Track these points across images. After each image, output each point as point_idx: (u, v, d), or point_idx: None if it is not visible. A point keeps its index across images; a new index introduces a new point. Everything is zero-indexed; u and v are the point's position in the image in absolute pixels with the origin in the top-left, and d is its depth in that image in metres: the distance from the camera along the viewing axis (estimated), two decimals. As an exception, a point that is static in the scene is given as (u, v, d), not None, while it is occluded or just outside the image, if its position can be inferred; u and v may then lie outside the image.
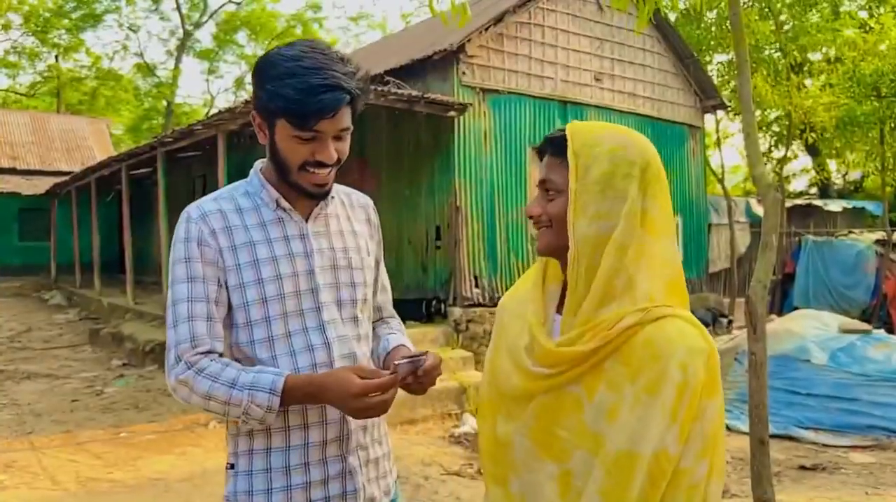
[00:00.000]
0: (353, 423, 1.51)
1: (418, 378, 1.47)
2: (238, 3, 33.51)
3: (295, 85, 1.34)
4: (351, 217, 1.63)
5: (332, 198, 1.58)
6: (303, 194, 1.49)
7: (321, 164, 1.43)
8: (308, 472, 1.47)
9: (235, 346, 1.50)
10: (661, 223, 1.26)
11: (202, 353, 1.41)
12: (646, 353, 1.18)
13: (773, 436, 6.00)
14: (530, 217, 1.36)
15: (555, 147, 1.32)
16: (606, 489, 1.18)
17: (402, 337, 1.70)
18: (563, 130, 1.31)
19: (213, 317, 1.44)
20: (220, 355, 1.45)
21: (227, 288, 1.46)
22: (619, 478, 1.17)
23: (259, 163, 1.57)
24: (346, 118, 1.42)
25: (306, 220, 1.53)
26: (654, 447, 1.15)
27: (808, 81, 16.67)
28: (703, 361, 1.18)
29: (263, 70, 1.42)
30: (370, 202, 1.72)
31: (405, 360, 1.43)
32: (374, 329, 1.69)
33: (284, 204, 1.51)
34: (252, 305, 1.45)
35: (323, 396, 1.37)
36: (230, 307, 1.48)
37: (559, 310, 1.33)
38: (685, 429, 1.17)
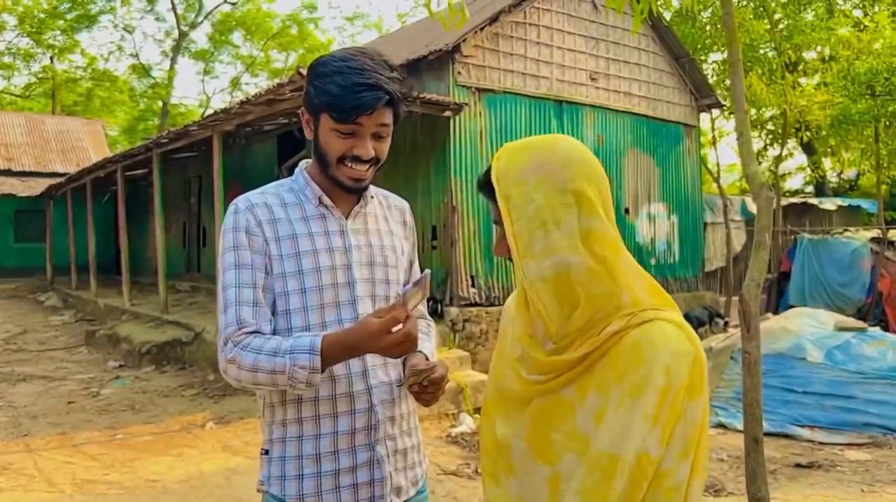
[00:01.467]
0: (381, 414, 1.56)
1: (426, 388, 1.53)
2: (233, 4, 33.45)
3: (339, 82, 1.44)
4: (388, 218, 1.71)
5: (372, 198, 1.67)
6: (340, 188, 1.56)
7: (358, 159, 1.51)
8: (337, 460, 1.53)
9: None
10: (611, 237, 1.24)
11: (248, 333, 1.46)
12: (631, 357, 1.18)
13: (770, 434, 6.03)
14: (499, 255, 1.36)
15: (488, 191, 1.30)
16: (586, 489, 1.18)
17: (427, 340, 1.74)
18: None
19: (259, 303, 1.50)
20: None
21: (271, 275, 1.53)
22: (599, 479, 1.17)
23: (304, 163, 1.66)
24: (384, 116, 1.50)
25: (346, 218, 1.61)
26: (636, 449, 1.15)
27: (802, 80, 16.71)
28: (686, 364, 1.18)
29: (314, 69, 1.51)
30: (407, 205, 1.80)
31: (409, 286, 1.46)
32: None
33: (326, 201, 1.59)
34: (292, 294, 1.52)
35: (356, 346, 1.41)
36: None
37: None
38: (667, 432, 1.16)
